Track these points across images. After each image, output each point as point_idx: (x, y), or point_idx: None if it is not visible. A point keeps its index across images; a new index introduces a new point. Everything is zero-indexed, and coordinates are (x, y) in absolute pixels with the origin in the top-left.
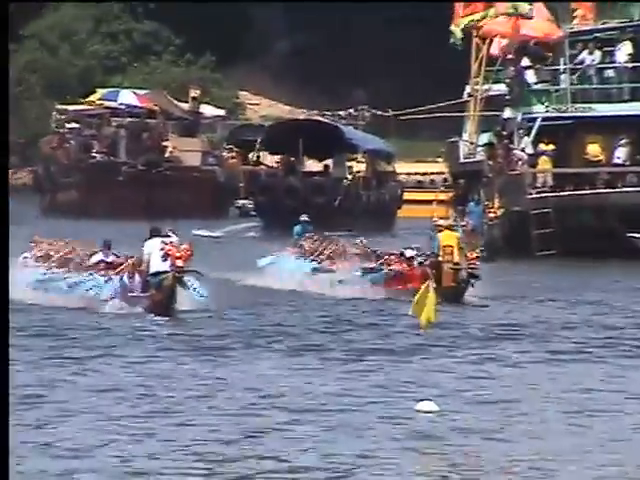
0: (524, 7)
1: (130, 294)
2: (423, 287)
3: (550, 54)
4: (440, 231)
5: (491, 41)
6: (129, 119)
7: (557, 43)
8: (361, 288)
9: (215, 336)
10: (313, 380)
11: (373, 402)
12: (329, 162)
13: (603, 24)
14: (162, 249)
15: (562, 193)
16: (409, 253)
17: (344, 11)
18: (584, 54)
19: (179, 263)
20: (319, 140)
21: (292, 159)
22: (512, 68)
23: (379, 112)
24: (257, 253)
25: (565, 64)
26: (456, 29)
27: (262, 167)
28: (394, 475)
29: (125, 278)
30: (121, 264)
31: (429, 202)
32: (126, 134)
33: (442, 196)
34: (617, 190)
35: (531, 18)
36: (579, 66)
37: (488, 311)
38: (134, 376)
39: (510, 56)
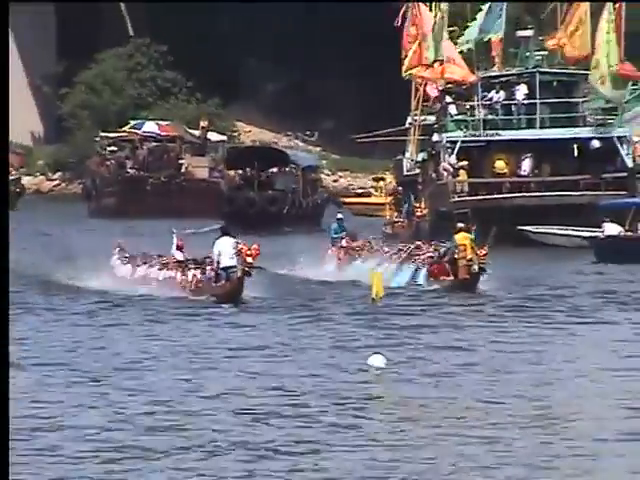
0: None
1: (204, 284)
2: (373, 273)
3: (467, 93)
4: (456, 233)
5: (425, 84)
6: (154, 143)
7: (472, 85)
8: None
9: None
10: None
11: None
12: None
13: (507, 71)
14: (236, 248)
15: (476, 197)
16: (429, 253)
17: (318, 58)
18: (492, 93)
19: (249, 260)
20: (269, 160)
21: (250, 176)
22: (439, 104)
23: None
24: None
25: (478, 100)
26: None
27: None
28: None
29: (199, 273)
30: (195, 261)
31: (381, 204)
32: (152, 154)
33: (389, 199)
34: (517, 195)
35: (450, 61)
36: (489, 102)
37: None
38: None
39: (437, 95)
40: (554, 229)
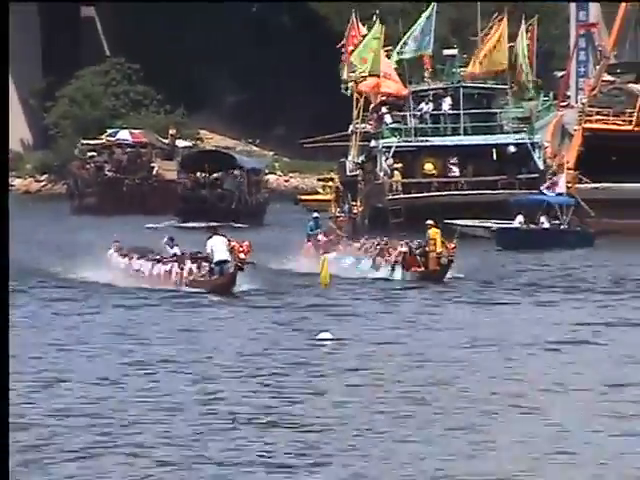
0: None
1: (198, 278)
2: (322, 260)
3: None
4: (429, 228)
5: (365, 95)
6: (129, 149)
7: (405, 97)
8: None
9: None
10: None
11: None
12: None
13: (435, 85)
14: (228, 244)
15: (409, 195)
16: (401, 248)
17: (270, 74)
18: (422, 104)
19: (242, 256)
20: (218, 163)
21: (203, 176)
22: (375, 113)
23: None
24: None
25: (410, 111)
26: (345, 86)
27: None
28: None
29: (194, 267)
30: (190, 255)
31: (327, 200)
32: (127, 159)
33: (332, 197)
34: (444, 193)
35: (385, 76)
36: (419, 112)
37: None
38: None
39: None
40: (476, 222)
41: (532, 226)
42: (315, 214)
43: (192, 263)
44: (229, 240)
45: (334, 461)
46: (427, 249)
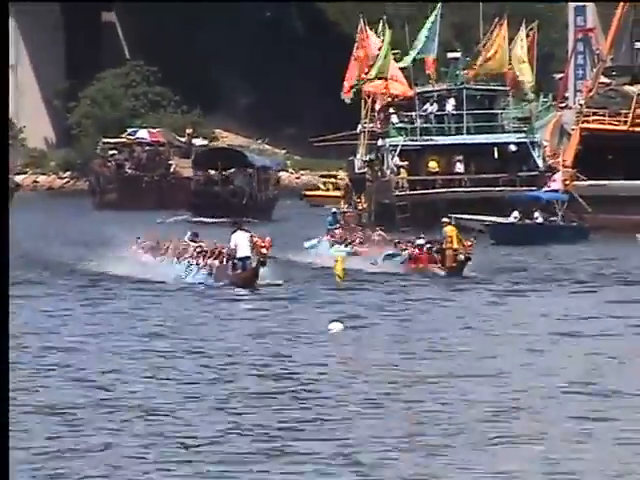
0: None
1: (222, 272)
2: (339, 260)
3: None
4: (445, 226)
5: (373, 97)
6: (147, 147)
7: (411, 98)
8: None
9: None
10: None
11: None
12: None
13: (439, 86)
14: (251, 240)
15: (414, 192)
16: (419, 242)
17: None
18: (427, 105)
19: (264, 251)
20: (230, 160)
21: (215, 173)
22: (383, 114)
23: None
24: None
25: (416, 111)
26: (346, 96)
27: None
28: None
29: (218, 262)
30: (213, 250)
31: (332, 197)
32: (145, 157)
33: (342, 193)
34: (448, 190)
35: (392, 78)
36: (424, 113)
37: None
38: None
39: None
40: (477, 217)
41: (527, 221)
42: (334, 209)
43: (216, 258)
44: (252, 236)
45: None
46: (444, 246)
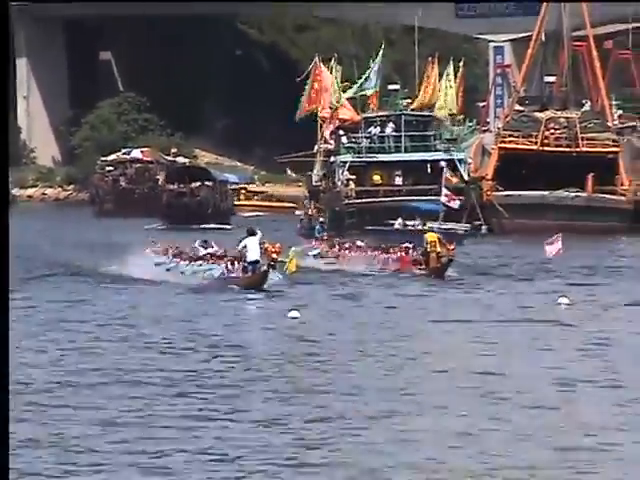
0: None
1: (232, 275)
2: (291, 255)
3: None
4: (426, 232)
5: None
6: (138, 165)
7: (358, 122)
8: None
9: None
10: None
11: None
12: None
13: (382, 112)
14: (261, 245)
15: (361, 200)
16: (405, 245)
17: (252, 103)
18: (372, 128)
19: (274, 256)
20: (196, 176)
21: (183, 187)
22: (334, 135)
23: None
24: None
25: (362, 133)
26: (298, 116)
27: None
28: None
29: (229, 265)
30: (223, 255)
31: (294, 207)
32: (137, 173)
33: (301, 203)
34: (389, 199)
35: (342, 106)
36: (369, 134)
37: None
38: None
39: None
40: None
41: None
42: (321, 219)
43: (227, 262)
44: (263, 242)
45: None
46: (428, 250)
